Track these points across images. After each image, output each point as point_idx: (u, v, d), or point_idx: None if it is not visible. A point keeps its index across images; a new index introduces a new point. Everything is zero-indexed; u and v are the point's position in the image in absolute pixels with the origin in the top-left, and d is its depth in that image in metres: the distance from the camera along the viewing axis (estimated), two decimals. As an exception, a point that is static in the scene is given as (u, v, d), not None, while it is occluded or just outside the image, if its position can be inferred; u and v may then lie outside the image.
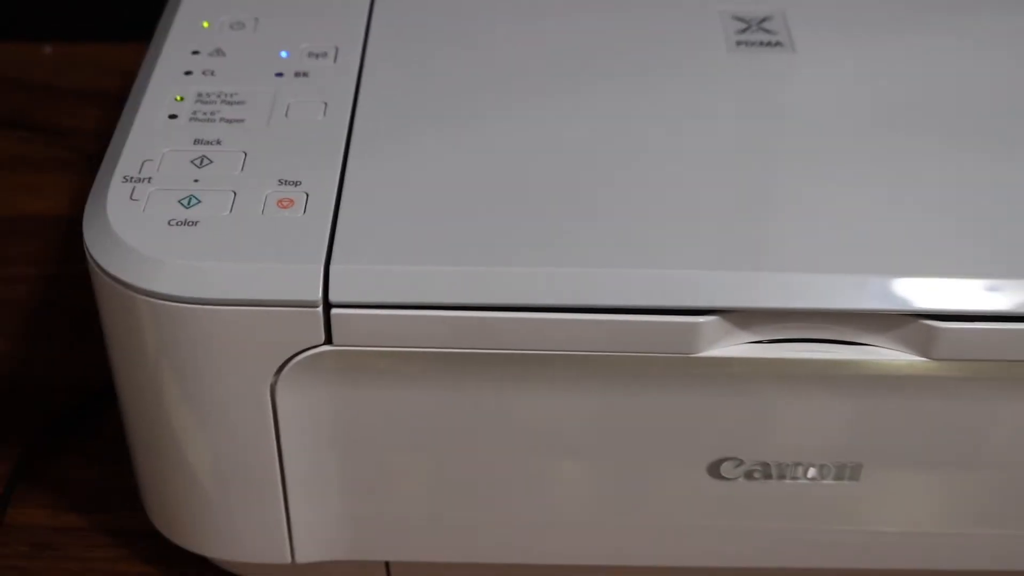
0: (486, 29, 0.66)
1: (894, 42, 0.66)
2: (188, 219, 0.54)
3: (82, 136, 0.93)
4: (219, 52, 0.63)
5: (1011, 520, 0.62)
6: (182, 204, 0.55)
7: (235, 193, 0.55)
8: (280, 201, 0.55)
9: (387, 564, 0.66)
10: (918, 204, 0.57)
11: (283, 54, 0.63)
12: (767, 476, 0.60)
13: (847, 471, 0.60)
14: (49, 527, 0.69)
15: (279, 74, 0.62)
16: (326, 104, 0.60)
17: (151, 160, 0.57)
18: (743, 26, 0.67)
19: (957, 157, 0.59)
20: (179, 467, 0.60)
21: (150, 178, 0.56)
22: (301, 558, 0.63)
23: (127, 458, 0.63)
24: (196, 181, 0.56)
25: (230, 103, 0.60)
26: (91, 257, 0.55)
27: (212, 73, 0.62)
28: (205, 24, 0.65)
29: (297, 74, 0.62)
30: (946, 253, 0.55)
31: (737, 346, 0.55)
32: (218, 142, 0.58)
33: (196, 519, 0.62)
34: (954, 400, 0.57)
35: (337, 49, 0.64)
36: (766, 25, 0.67)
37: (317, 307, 0.53)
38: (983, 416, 0.58)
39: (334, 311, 0.53)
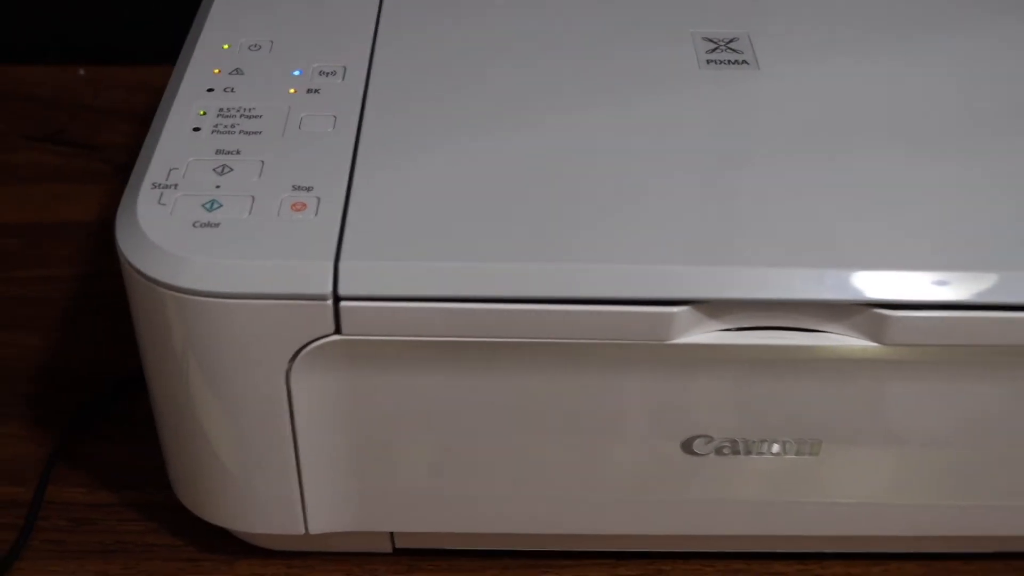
0: (481, 50, 0.66)
1: (850, 60, 0.67)
2: (211, 221, 0.55)
3: (114, 150, 0.93)
4: (238, 71, 0.64)
5: (957, 490, 0.63)
6: (205, 208, 0.55)
7: (253, 198, 0.56)
8: (294, 205, 0.55)
9: (391, 534, 0.67)
10: (871, 204, 0.57)
11: (296, 72, 0.64)
12: (735, 451, 0.60)
13: (807, 446, 0.60)
14: (85, 503, 0.70)
15: (293, 91, 0.62)
16: (335, 117, 0.61)
17: (177, 168, 0.57)
18: (712, 46, 0.67)
19: (908, 161, 0.60)
20: (202, 447, 0.60)
21: (176, 184, 0.57)
22: (314, 529, 0.63)
23: (155, 440, 0.64)
24: (218, 187, 0.56)
25: (248, 117, 0.61)
26: (123, 256, 0.55)
27: (232, 90, 0.62)
28: (225, 46, 0.66)
29: (309, 91, 0.62)
30: (896, 248, 0.55)
31: (707, 334, 0.55)
32: (238, 152, 0.58)
33: (218, 494, 0.62)
34: (903, 382, 0.58)
35: (345, 68, 0.64)
36: (733, 45, 0.67)
37: (327, 300, 0.53)
38: (930, 396, 0.58)
39: (343, 304, 0.53)
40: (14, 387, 0.76)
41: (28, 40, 1.01)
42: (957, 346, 0.56)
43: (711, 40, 0.68)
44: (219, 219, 0.55)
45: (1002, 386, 0.58)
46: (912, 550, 0.68)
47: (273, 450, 0.59)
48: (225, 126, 0.60)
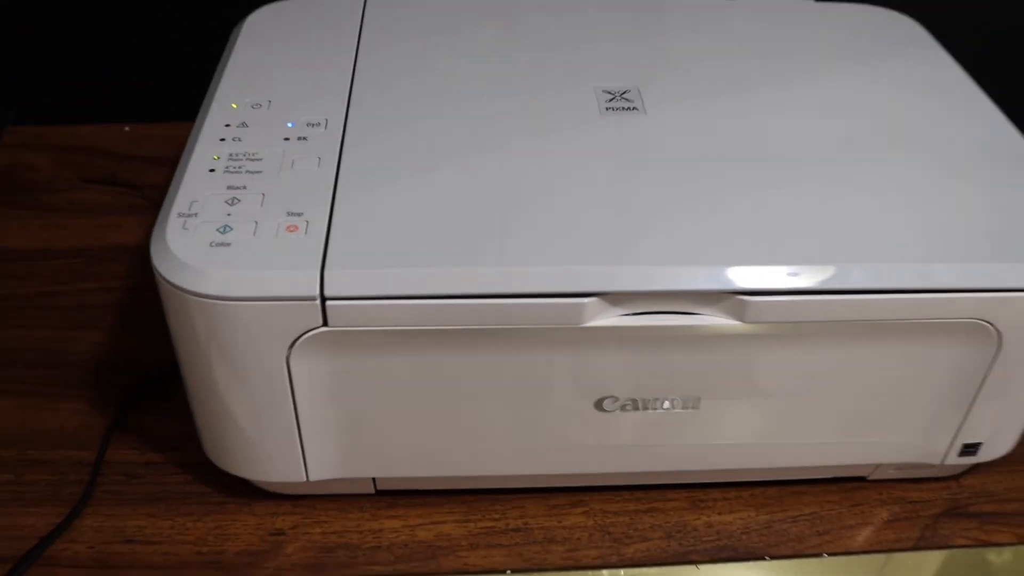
0: (431, 105, 0.65)
1: (718, 105, 0.66)
2: (224, 241, 0.54)
3: (152, 189, 0.92)
4: (244, 124, 0.63)
5: (802, 432, 0.63)
6: (219, 231, 0.54)
7: (256, 222, 0.55)
8: (288, 227, 0.55)
9: (374, 479, 0.66)
10: (735, 215, 0.57)
11: (289, 124, 0.63)
12: (636, 408, 0.60)
13: (690, 402, 0.60)
14: (137, 462, 0.68)
15: (286, 138, 0.61)
16: (320, 158, 0.60)
17: (197, 201, 0.57)
18: (610, 96, 0.67)
19: (764, 182, 0.59)
20: (225, 416, 0.59)
21: (197, 214, 0.56)
22: (313, 477, 0.62)
23: (188, 412, 0.63)
24: (229, 215, 0.55)
25: (252, 160, 0.60)
26: (157, 270, 0.54)
27: (239, 139, 0.61)
28: (234, 105, 0.64)
29: (299, 138, 0.61)
30: (754, 248, 0.55)
31: (611, 318, 0.55)
32: (244, 187, 0.57)
33: (238, 452, 0.62)
34: (761, 351, 0.58)
35: (327, 120, 0.63)
36: (626, 96, 0.67)
37: (316, 300, 0.53)
38: (781, 361, 0.58)
39: (328, 303, 0.53)
40: (80, 373, 0.75)
41: (84, 105, 1.00)
42: (800, 323, 0.56)
43: (609, 92, 0.67)
44: (230, 240, 0.54)
45: (834, 352, 0.58)
46: (771, 478, 0.68)
47: (279, 417, 0.59)
48: (234, 167, 0.59)
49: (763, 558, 0.64)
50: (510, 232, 0.55)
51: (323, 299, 0.53)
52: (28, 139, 0.99)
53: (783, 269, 0.54)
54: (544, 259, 0.54)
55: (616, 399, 0.59)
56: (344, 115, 0.64)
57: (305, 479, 0.62)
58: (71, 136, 1.00)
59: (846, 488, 0.68)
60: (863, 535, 0.65)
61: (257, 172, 0.59)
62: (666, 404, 0.60)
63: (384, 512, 0.66)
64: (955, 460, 0.65)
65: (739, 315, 0.55)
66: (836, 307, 0.55)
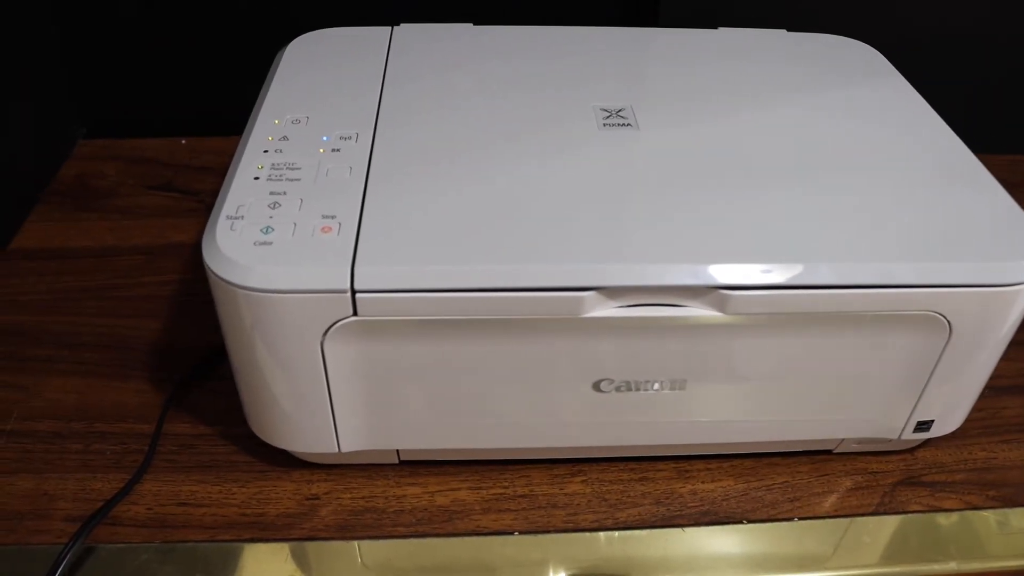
0: (449, 122, 0.64)
1: (703, 123, 0.65)
2: (266, 241, 0.53)
3: (206, 195, 0.92)
4: (285, 138, 0.62)
5: (776, 410, 0.62)
6: (262, 232, 0.54)
7: (295, 224, 0.54)
8: (323, 228, 0.54)
9: (397, 450, 0.65)
10: (718, 218, 0.56)
11: (324, 138, 0.62)
12: (629, 389, 0.59)
13: (677, 384, 0.59)
14: (190, 434, 0.68)
15: (322, 150, 0.61)
16: (351, 168, 0.59)
17: (244, 205, 0.56)
18: (607, 114, 0.66)
19: (744, 190, 0.59)
20: (266, 394, 0.59)
21: (243, 216, 0.55)
22: (344, 448, 0.61)
23: (235, 391, 0.62)
24: (271, 217, 0.55)
25: (292, 169, 0.59)
26: (207, 266, 0.54)
27: (280, 151, 0.61)
28: (276, 121, 0.64)
29: (333, 150, 0.61)
30: (734, 248, 0.54)
31: (607, 310, 0.54)
32: (284, 193, 0.57)
33: (278, 425, 0.61)
34: (740, 339, 0.57)
35: (358, 134, 0.62)
36: (621, 114, 0.66)
37: (347, 293, 0.52)
38: (758, 348, 0.58)
39: (358, 295, 0.52)
40: (141, 356, 0.74)
41: (147, 121, 1.00)
42: (775, 314, 0.55)
43: (606, 110, 0.66)
44: (272, 239, 0.54)
45: (804, 340, 0.57)
46: (747, 451, 0.67)
47: (314, 395, 0.58)
48: (276, 175, 0.58)
49: (741, 522, 0.63)
50: (518, 233, 0.54)
51: (353, 292, 0.52)
52: (97, 151, 0.99)
53: (760, 267, 0.53)
54: (548, 257, 0.53)
55: (611, 381, 0.59)
56: (373, 130, 0.63)
57: (337, 450, 0.61)
58: (135, 148, 0.99)
59: (814, 460, 0.67)
60: (829, 502, 0.65)
61: (296, 180, 0.58)
62: (656, 386, 0.59)
63: (406, 480, 0.65)
64: (910, 435, 0.65)
65: (720, 307, 0.54)
66: (806, 300, 0.54)
